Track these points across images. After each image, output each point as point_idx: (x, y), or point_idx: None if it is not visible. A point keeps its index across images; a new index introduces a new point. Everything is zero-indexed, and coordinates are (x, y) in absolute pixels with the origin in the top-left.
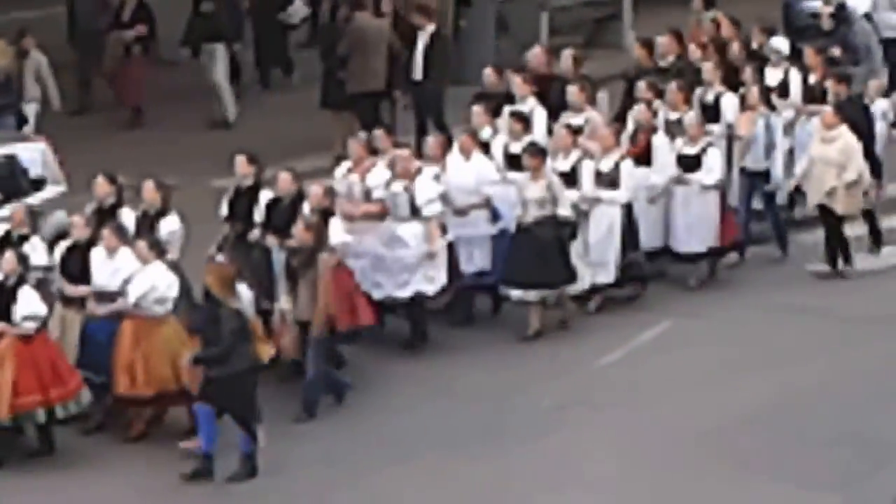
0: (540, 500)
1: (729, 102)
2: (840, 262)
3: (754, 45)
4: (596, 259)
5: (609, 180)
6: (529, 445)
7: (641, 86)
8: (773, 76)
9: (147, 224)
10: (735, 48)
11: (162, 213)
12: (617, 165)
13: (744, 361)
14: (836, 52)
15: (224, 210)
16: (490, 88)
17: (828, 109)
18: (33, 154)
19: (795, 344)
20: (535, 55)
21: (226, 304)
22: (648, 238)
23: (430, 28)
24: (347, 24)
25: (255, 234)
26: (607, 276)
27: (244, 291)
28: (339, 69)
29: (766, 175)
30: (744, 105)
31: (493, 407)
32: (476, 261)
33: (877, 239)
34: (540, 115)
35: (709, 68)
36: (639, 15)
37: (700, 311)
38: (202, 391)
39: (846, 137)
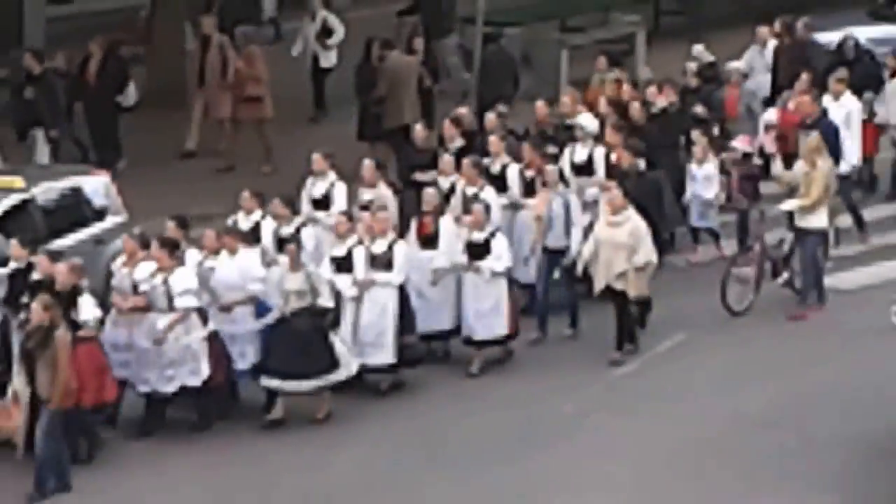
0: (559, 502)
1: (513, 174)
2: (624, 346)
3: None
4: (369, 340)
5: (384, 262)
6: (551, 450)
7: (446, 158)
8: (580, 153)
9: None
10: (636, 109)
11: None
12: (391, 247)
13: (752, 370)
14: (699, 110)
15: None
16: (421, 144)
17: (616, 192)
18: (97, 186)
19: (801, 354)
20: (463, 113)
21: None
22: (435, 320)
23: None
24: (381, 63)
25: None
26: (385, 356)
27: None
28: (374, 105)
29: (566, 251)
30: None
31: (518, 414)
32: (248, 357)
33: (643, 320)
34: (340, 191)
35: (493, 140)
36: (652, 51)
37: (713, 326)
38: None
39: (634, 220)
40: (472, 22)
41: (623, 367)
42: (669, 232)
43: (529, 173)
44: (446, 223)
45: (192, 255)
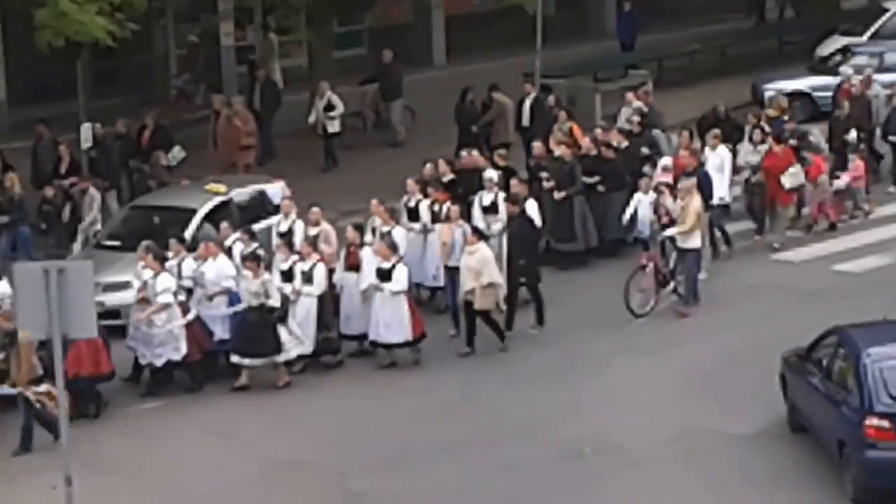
0: (601, 419)
1: (424, 206)
2: (472, 342)
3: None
4: (298, 334)
5: (307, 277)
6: (593, 379)
7: (373, 202)
8: (487, 198)
9: None
10: (586, 144)
11: None
12: (312, 267)
13: (731, 321)
14: (645, 150)
15: None
16: (428, 176)
17: (469, 232)
18: (275, 189)
19: (760, 309)
20: (465, 158)
21: None
22: (353, 327)
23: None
24: (492, 101)
25: None
26: (306, 348)
27: None
28: (484, 129)
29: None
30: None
31: (568, 351)
32: (217, 334)
33: (509, 324)
34: (299, 226)
35: (410, 182)
36: (656, 92)
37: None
38: None
39: (483, 251)
40: (532, 76)
41: (640, 320)
42: (587, 246)
43: (436, 207)
44: (364, 253)
45: (189, 262)
